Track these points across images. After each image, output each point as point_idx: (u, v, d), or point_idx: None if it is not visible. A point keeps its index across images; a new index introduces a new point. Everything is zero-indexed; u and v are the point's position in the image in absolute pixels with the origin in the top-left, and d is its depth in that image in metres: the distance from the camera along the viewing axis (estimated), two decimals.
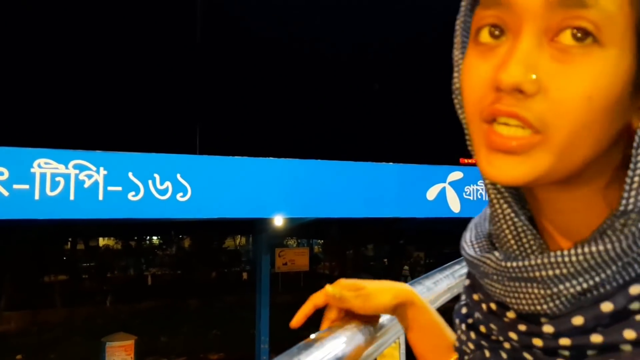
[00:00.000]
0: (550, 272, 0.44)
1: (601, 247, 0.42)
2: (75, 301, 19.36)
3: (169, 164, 6.28)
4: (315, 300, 0.76)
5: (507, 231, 0.49)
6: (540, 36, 0.41)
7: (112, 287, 22.33)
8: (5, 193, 5.41)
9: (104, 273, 25.28)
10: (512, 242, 0.48)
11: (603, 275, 0.43)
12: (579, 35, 0.40)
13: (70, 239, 26.63)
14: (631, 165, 0.41)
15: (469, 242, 0.55)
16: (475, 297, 0.56)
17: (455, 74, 0.51)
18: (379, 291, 0.77)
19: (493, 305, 0.52)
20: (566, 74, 0.41)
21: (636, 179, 0.40)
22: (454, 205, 7.98)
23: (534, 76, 0.41)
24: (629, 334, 0.41)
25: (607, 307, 0.43)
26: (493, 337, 0.53)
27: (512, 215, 0.48)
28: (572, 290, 0.43)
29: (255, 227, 10.73)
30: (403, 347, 1.18)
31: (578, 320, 0.44)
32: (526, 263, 0.45)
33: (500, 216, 0.49)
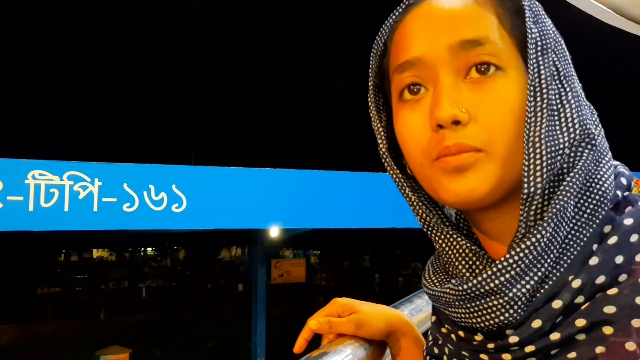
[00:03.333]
0: (502, 279, 0.49)
1: (533, 239, 0.48)
2: (68, 314, 19.21)
3: (164, 174, 6.25)
4: (311, 325, 0.76)
5: (453, 257, 0.56)
6: (455, 77, 0.51)
7: (106, 299, 22.18)
8: None
9: (98, 285, 25.11)
10: (460, 266, 0.56)
11: (543, 269, 0.49)
12: (484, 67, 0.51)
13: (63, 251, 26.49)
14: (525, 156, 0.48)
15: (428, 279, 0.61)
16: (444, 330, 0.62)
17: (380, 141, 0.61)
18: (373, 316, 0.77)
19: (461, 333, 0.57)
20: (486, 100, 0.50)
21: (532, 167, 0.48)
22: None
23: (463, 109, 0.50)
24: (580, 322, 0.47)
25: (557, 304, 0.48)
26: None
27: (455, 238, 0.56)
28: (523, 290, 0.49)
29: (250, 238, 10.68)
30: None
31: (537, 323, 0.49)
32: (479, 279, 0.50)
33: (445, 245, 0.57)
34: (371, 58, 0.61)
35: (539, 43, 0.51)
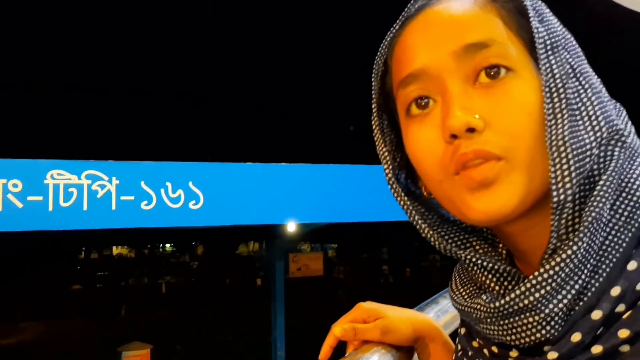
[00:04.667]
0: (537, 295, 0.45)
1: (569, 252, 0.44)
2: (90, 311, 19.46)
3: (181, 172, 6.27)
4: (335, 332, 0.73)
5: (479, 273, 0.53)
6: (463, 84, 0.48)
7: (126, 296, 22.43)
8: (20, 205, 5.42)
9: (118, 282, 25.41)
10: (488, 281, 0.52)
11: (580, 282, 0.45)
12: (493, 71, 0.47)
13: (84, 249, 26.83)
14: (550, 162, 0.45)
15: (455, 290, 0.58)
16: (475, 344, 0.58)
17: (385, 166, 0.58)
18: (400, 322, 0.74)
19: (495, 349, 0.54)
20: (501, 104, 0.47)
21: (559, 172, 0.44)
22: None
23: (477, 115, 0.47)
24: (623, 333, 0.43)
25: (597, 315, 0.44)
26: None
27: (475, 261, 0.52)
28: (560, 305, 0.45)
29: (268, 232, 10.71)
30: None
31: (576, 337, 0.45)
32: (512, 296, 0.47)
33: (472, 266, 0.54)
34: (372, 80, 0.58)
35: (548, 42, 0.48)
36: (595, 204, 0.45)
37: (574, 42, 0.51)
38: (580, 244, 0.44)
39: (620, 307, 0.44)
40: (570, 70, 0.48)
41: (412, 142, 0.53)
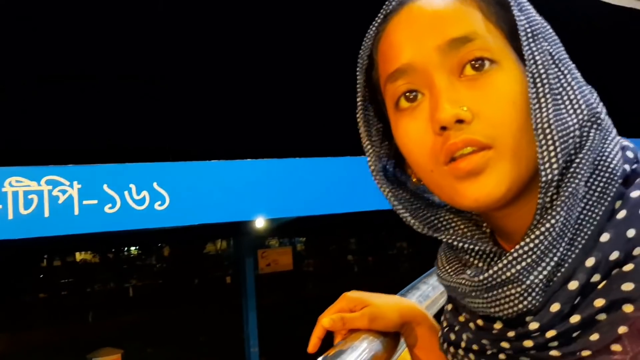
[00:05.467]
0: (518, 267, 0.48)
1: (547, 225, 0.47)
2: (57, 319, 19.03)
3: (144, 173, 6.17)
4: (324, 323, 0.74)
5: (467, 257, 0.56)
6: (449, 77, 0.51)
7: (93, 301, 22.01)
8: None
9: (84, 288, 24.89)
10: (472, 259, 0.56)
11: (559, 254, 0.48)
12: (478, 63, 0.50)
13: (45, 256, 26.19)
14: (537, 144, 0.47)
15: (442, 267, 0.61)
16: (461, 318, 0.61)
17: (369, 159, 0.60)
18: (385, 308, 0.76)
19: (480, 322, 0.57)
20: (487, 95, 0.49)
21: (545, 153, 0.47)
22: None
23: (465, 107, 0.49)
24: (599, 302, 0.46)
25: (573, 285, 0.47)
26: (488, 352, 0.57)
27: (457, 243, 0.56)
28: (541, 277, 0.48)
29: (235, 230, 10.65)
30: None
31: (555, 307, 0.48)
32: (495, 269, 0.50)
33: (456, 247, 0.57)
34: (357, 74, 0.60)
35: (529, 30, 0.50)
36: (572, 180, 0.48)
37: (552, 31, 0.53)
38: (558, 217, 0.47)
39: (596, 277, 0.47)
40: (549, 58, 0.50)
41: (402, 135, 0.55)
